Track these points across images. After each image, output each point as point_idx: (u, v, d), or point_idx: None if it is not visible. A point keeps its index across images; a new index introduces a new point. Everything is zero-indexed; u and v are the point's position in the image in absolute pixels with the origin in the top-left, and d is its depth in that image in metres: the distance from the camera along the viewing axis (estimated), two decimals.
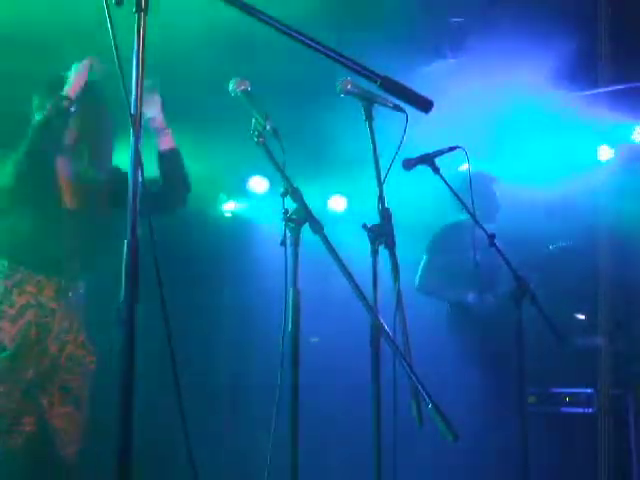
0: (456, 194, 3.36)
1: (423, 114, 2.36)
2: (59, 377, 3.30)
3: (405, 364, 1.96)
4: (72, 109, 3.19)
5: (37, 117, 3.28)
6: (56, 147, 3.26)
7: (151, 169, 3.32)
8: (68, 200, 3.39)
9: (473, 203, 3.47)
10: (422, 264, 5.21)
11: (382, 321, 2.12)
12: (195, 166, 5.17)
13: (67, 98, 3.18)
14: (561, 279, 5.20)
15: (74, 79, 3.24)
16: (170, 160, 3.41)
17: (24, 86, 3.48)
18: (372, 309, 2.24)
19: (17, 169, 3.14)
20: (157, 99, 3.36)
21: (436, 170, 3.25)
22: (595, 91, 5.26)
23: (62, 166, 3.37)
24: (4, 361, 3.16)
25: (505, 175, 5.40)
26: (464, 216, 5.04)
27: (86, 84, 3.26)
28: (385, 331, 2.07)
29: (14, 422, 3.18)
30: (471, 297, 5.05)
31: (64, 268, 3.31)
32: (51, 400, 3.27)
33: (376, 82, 2.31)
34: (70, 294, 3.35)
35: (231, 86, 2.55)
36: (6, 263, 3.25)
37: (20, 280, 3.23)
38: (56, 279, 3.29)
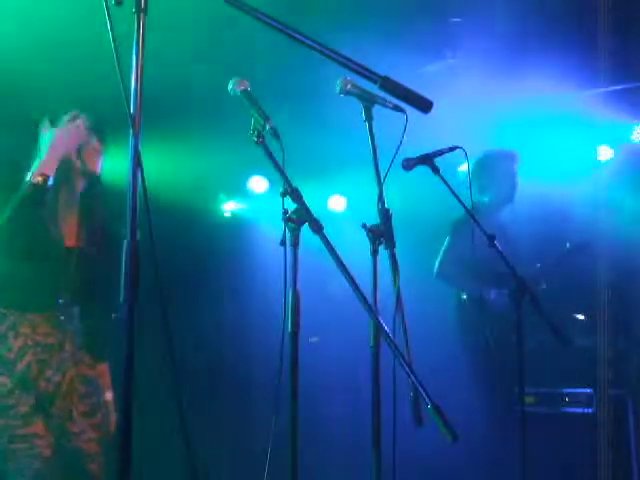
0: (456, 195, 3.34)
1: (423, 114, 2.37)
2: (68, 400, 3.23)
3: (405, 364, 1.96)
4: (50, 182, 3.11)
5: (25, 184, 3.12)
6: (40, 211, 3.16)
7: (151, 169, 3.31)
8: (68, 239, 3.29)
9: (472, 202, 3.47)
10: (443, 248, 4.86)
11: (382, 321, 2.12)
12: (195, 166, 5.22)
13: (40, 182, 3.09)
14: (567, 281, 5.13)
15: (50, 156, 3.13)
16: None
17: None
18: (372, 309, 2.24)
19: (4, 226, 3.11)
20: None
21: (436, 170, 3.24)
22: (595, 91, 5.26)
23: (64, 205, 3.31)
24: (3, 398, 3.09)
25: None
26: (486, 197, 4.96)
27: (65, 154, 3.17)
28: (385, 331, 2.07)
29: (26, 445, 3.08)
30: (494, 293, 4.77)
31: (59, 305, 3.23)
32: (65, 423, 3.23)
33: (376, 82, 2.32)
34: (68, 324, 3.27)
35: (230, 86, 2.55)
36: None
37: (14, 323, 3.14)
38: (49, 314, 3.21)
